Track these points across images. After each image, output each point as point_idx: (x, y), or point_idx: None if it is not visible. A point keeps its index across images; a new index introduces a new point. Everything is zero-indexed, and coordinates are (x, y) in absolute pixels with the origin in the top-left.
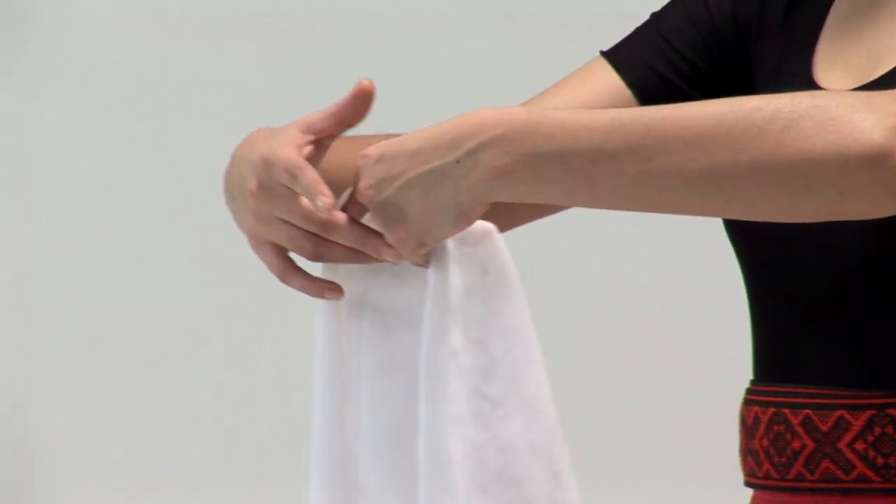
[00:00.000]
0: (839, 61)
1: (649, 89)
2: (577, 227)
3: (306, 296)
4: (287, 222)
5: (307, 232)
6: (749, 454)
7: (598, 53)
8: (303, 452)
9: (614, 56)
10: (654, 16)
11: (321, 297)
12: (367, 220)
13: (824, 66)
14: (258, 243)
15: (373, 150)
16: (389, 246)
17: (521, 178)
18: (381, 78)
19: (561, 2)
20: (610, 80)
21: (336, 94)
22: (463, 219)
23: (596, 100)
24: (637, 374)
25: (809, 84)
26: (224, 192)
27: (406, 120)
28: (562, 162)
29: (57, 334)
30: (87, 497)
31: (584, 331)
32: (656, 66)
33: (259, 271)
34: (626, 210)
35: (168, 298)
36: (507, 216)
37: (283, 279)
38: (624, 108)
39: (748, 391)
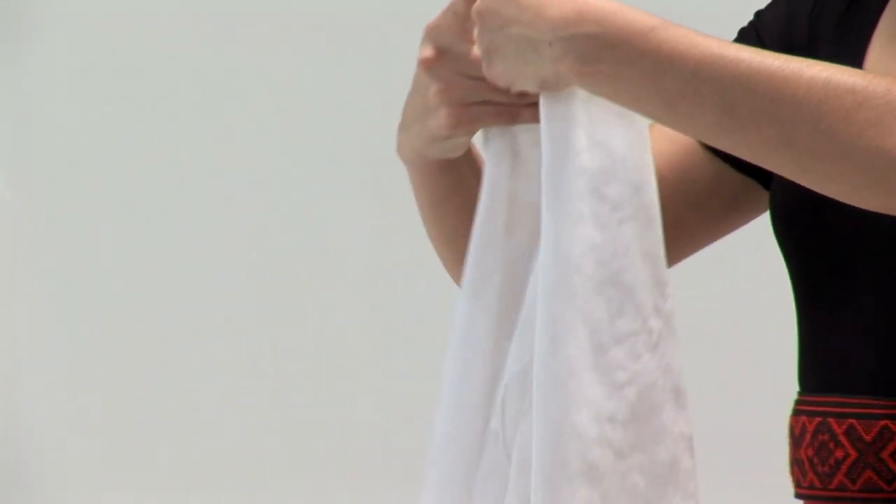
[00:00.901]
0: (890, 70)
1: None
2: None
3: (306, 296)
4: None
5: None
6: (796, 464)
7: None
8: (303, 452)
9: None
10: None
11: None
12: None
13: (875, 70)
14: (457, 115)
15: None
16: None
17: (606, 83)
18: (381, 78)
19: None
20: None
21: (336, 95)
22: (546, 88)
23: (661, 146)
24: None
25: None
26: (400, 137)
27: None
28: (650, 82)
29: (56, 334)
30: (87, 497)
31: None
32: None
33: (259, 270)
34: (703, 141)
35: (168, 298)
36: (683, 245)
37: (516, 119)
38: (733, 44)
39: (796, 402)
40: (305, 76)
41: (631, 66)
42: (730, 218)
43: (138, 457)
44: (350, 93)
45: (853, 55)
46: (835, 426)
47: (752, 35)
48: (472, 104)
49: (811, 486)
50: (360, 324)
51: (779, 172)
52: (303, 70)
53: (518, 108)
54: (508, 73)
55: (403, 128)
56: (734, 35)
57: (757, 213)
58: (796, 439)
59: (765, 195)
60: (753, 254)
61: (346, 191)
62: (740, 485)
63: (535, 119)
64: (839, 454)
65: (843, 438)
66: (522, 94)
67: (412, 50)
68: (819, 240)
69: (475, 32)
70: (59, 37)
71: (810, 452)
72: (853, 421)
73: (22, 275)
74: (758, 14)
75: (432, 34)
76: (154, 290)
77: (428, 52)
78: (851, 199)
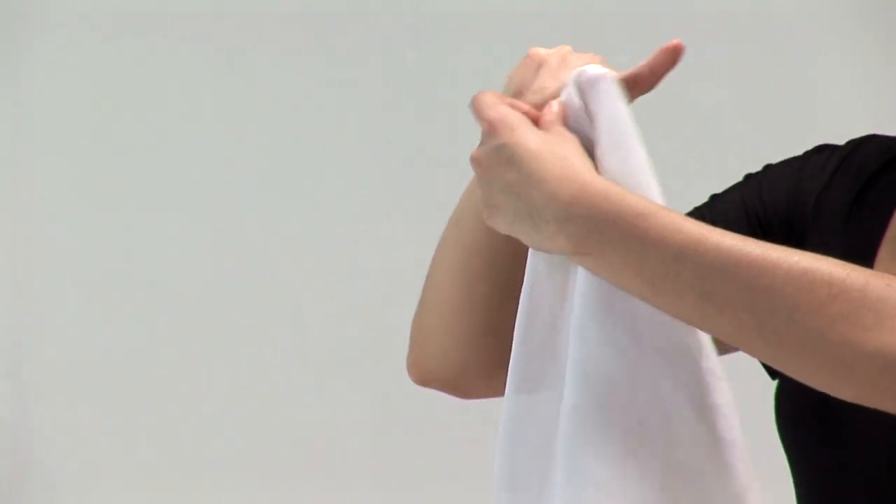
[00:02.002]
0: None
1: None
2: None
3: (308, 295)
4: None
5: None
6: None
7: None
8: (303, 452)
9: None
10: (712, 198)
11: None
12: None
13: (887, 273)
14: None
15: (504, 126)
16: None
17: (595, 264)
18: (382, 78)
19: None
20: None
21: (337, 96)
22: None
23: None
24: None
25: None
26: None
27: (407, 122)
28: (635, 267)
29: (58, 334)
30: (87, 497)
31: None
32: None
33: (258, 270)
34: (685, 322)
35: (169, 298)
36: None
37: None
38: (716, 230)
39: None
40: (306, 77)
41: (616, 250)
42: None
43: (139, 457)
44: (362, 101)
45: (863, 255)
46: None
47: (754, 186)
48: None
49: None
50: (360, 324)
51: (756, 358)
52: (303, 71)
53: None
54: (507, 230)
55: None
56: (737, 28)
57: (733, 351)
58: None
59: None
60: None
61: (352, 192)
62: None
63: None
64: None
65: None
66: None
67: (422, 54)
68: (821, 435)
69: (476, 177)
70: (58, 38)
71: None
72: None
73: (22, 274)
74: (766, 167)
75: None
76: (155, 291)
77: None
78: (826, 389)
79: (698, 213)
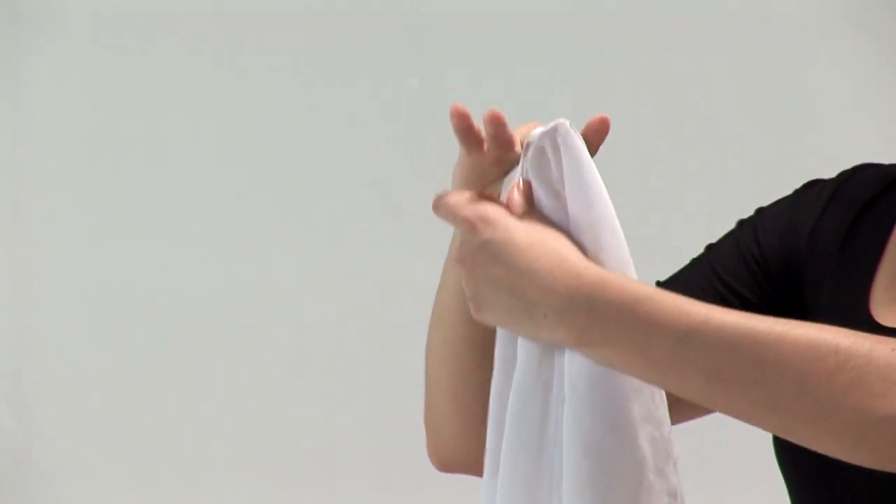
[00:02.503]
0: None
1: None
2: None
3: (307, 295)
4: None
5: None
6: None
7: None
8: (303, 453)
9: (665, 288)
10: (708, 248)
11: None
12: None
13: (882, 301)
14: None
15: (486, 224)
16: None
17: (599, 352)
18: (383, 78)
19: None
20: None
21: (337, 97)
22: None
23: None
24: None
25: (867, 320)
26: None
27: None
28: (640, 352)
29: (59, 335)
30: (87, 497)
31: None
32: (704, 298)
33: (259, 271)
34: (696, 403)
35: (169, 298)
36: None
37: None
38: (718, 309)
39: None
40: (307, 77)
41: (620, 338)
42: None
43: (139, 457)
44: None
45: (859, 288)
46: None
47: (748, 231)
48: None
49: None
50: (360, 325)
51: (769, 432)
52: (304, 71)
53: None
54: (498, 323)
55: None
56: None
57: None
58: None
59: None
60: None
61: (352, 192)
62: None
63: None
64: None
65: None
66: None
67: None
68: (823, 476)
69: (462, 276)
70: (58, 38)
71: None
72: None
73: (21, 274)
74: (759, 211)
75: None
76: (155, 291)
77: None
78: (840, 456)
79: (696, 265)
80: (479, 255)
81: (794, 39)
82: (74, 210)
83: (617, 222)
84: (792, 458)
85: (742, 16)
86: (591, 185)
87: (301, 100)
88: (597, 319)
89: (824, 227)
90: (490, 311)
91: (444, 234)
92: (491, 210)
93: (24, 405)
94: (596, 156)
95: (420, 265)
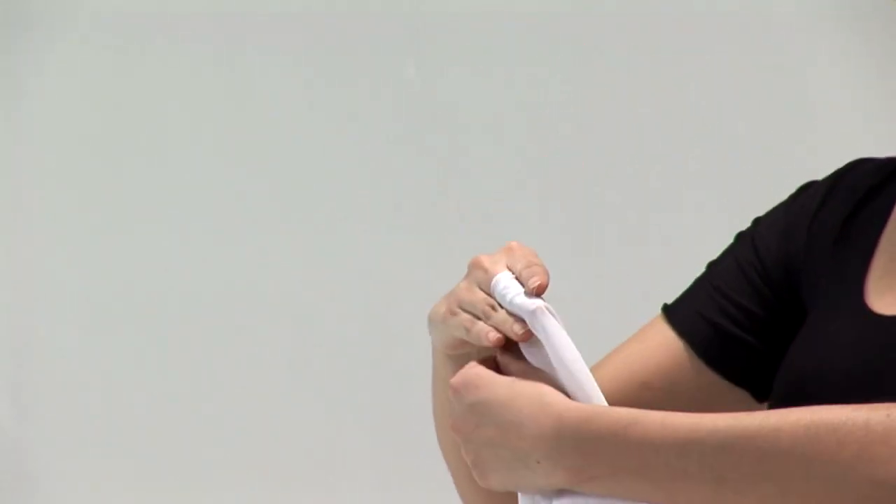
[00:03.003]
0: (893, 287)
1: (704, 340)
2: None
3: (308, 295)
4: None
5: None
6: None
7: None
8: (303, 454)
9: (670, 310)
10: (709, 266)
11: (486, 339)
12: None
13: (877, 289)
14: (455, 306)
15: (467, 389)
16: (518, 321)
17: (603, 485)
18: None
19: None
20: (665, 334)
21: (337, 97)
22: (545, 490)
23: (652, 353)
24: None
25: (862, 309)
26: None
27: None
28: (641, 475)
29: (59, 335)
30: (87, 497)
31: None
32: (710, 316)
33: (260, 271)
34: None
35: (169, 298)
36: None
37: (468, 332)
38: (705, 415)
39: None
40: (308, 78)
41: (618, 467)
42: None
43: (140, 457)
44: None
45: (854, 278)
46: None
47: (748, 241)
48: (461, 308)
49: None
50: (361, 325)
51: None
52: (305, 72)
53: (477, 323)
54: (504, 483)
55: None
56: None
57: None
58: None
59: (753, 405)
60: None
61: (353, 192)
62: None
63: (477, 330)
64: None
65: None
66: (489, 308)
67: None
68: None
69: (461, 445)
70: (59, 38)
71: None
72: None
73: (22, 274)
74: (756, 221)
75: (501, 250)
76: (155, 291)
77: (484, 257)
78: None
79: (699, 286)
80: (469, 419)
81: (794, 39)
82: (74, 210)
83: (596, 386)
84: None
85: (742, 16)
86: (570, 363)
87: (301, 100)
88: (589, 454)
89: (820, 225)
90: (493, 473)
91: (444, 234)
92: (472, 373)
93: (24, 405)
94: (596, 156)
95: (421, 264)
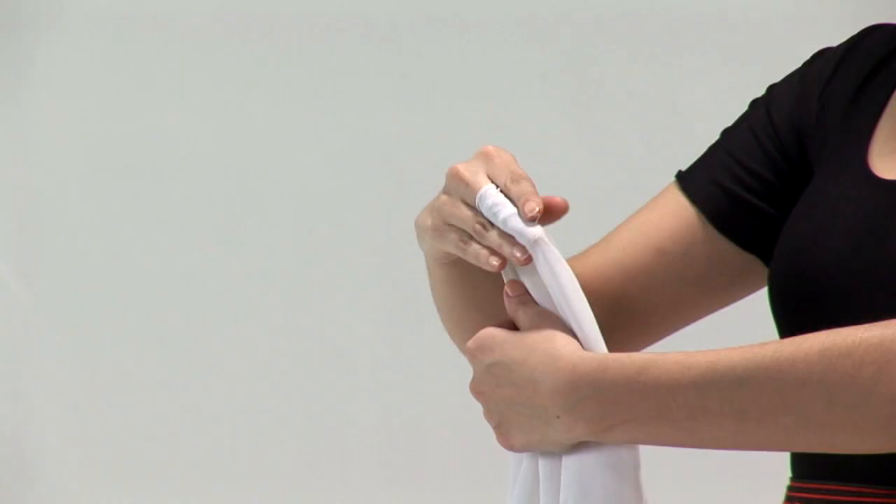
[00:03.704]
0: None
1: (717, 207)
2: None
3: (309, 295)
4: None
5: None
6: None
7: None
8: (303, 453)
9: (684, 177)
10: (723, 133)
11: (487, 263)
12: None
13: (881, 153)
14: (440, 224)
15: (483, 351)
16: (518, 246)
17: (623, 432)
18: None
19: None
20: (678, 201)
21: (337, 96)
22: (566, 446)
23: (666, 220)
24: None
25: (865, 173)
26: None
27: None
28: (661, 418)
29: (59, 335)
30: (87, 497)
31: None
32: (722, 182)
33: (262, 271)
34: (729, 450)
35: (170, 298)
36: (679, 321)
37: (463, 251)
38: (719, 351)
39: (788, 488)
40: (309, 78)
41: (637, 411)
42: (730, 293)
43: (139, 457)
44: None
45: (859, 141)
46: None
47: (762, 108)
48: (448, 224)
49: None
50: (362, 325)
51: (816, 451)
52: (306, 72)
53: (471, 242)
54: (527, 443)
55: (428, 207)
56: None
57: (758, 287)
58: None
59: (765, 272)
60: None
61: (354, 192)
62: None
63: (475, 252)
64: None
65: None
66: (480, 226)
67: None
68: (816, 324)
69: (483, 409)
70: (59, 38)
71: None
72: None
73: (22, 273)
74: (770, 88)
75: (474, 158)
76: (157, 291)
77: (460, 166)
78: (888, 449)
79: (713, 152)
80: (488, 381)
81: (794, 39)
82: (74, 209)
83: (594, 321)
84: (787, 306)
85: (742, 16)
86: (570, 292)
87: (302, 99)
88: (607, 402)
89: (832, 91)
90: (517, 433)
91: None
92: (485, 334)
93: (24, 405)
94: (597, 157)
95: (422, 263)
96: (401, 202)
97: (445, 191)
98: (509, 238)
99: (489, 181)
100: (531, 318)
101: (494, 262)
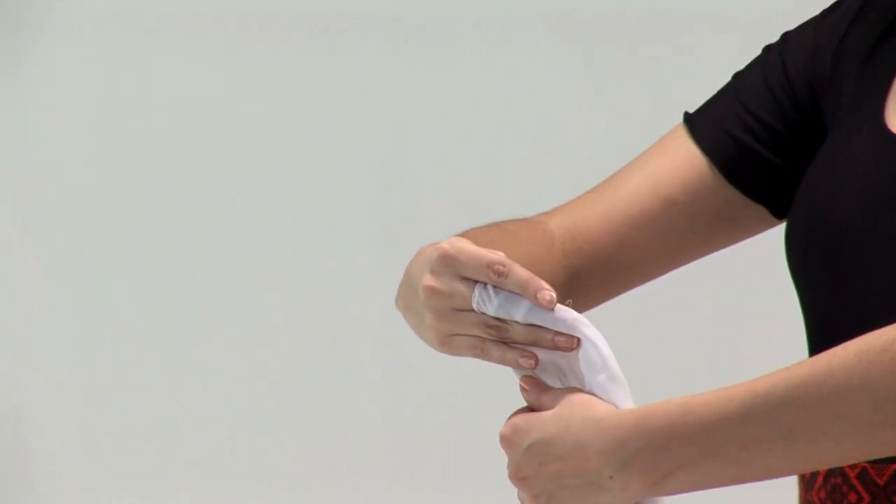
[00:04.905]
0: None
1: (727, 157)
2: None
3: (310, 294)
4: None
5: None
6: None
7: (682, 117)
8: (303, 453)
9: (693, 123)
10: (735, 77)
11: (517, 364)
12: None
13: None
14: (445, 339)
15: (519, 434)
16: (561, 335)
17: (679, 479)
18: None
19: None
20: (688, 150)
21: (338, 96)
22: None
23: (677, 168)
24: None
25: (881, 128)
26: (400, 306)
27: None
28: (712, 455)
29: (59, 335)
30: (87, 497)
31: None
32: (733, 132)
33: (263, 271)
34: (787, 475)
35: (171, 298)
36: (678, 261)
37: (485, 356)
38: (756, 379)
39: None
40: (311, 77)
41: (688, 454)
42: (731, 239)
43: (140, 457)
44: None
45: (874, 99)
46: (847, 469)
47: (776, 55)
48: (455, 335)
49: None
50: (362, 326)
51: (871, 457)
52: (308, 71)
53: (490, 345)
54: None
55: (405, 307)
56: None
57: (759, 233)
58: (807, 481)
59: (772, 221)
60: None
61: (355, 191)
62: None
63: (500, 354)
64: (852, 497)
65: (855, 482)
66: (497, 324)
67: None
68: (834, 279)
69: (526, 496)
70: (60, 38)
71: (822, 495)
72: (866, 465)
73: (22, 273)
74: (784, 36)
75: (437, 266)
76: (157, 291)
77: (429, 281)
78: None
79: (723, 97)
80: (528, 464)
81: None
82: (75, 212)
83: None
84: (803, 260)
85: (742, 16)
86: (611, 358)
87: (302, 99)
88: (657, 451)
89: (847, 48)
90: None
91: (450, 232)
92: (515, 420)
93: (24, 405)
94: (598, 157)
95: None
96: (401, 203)
97: (429, 308)
98: (539, 329)
99: (468, 282)
100: (558, 396)
101: (526, 362)
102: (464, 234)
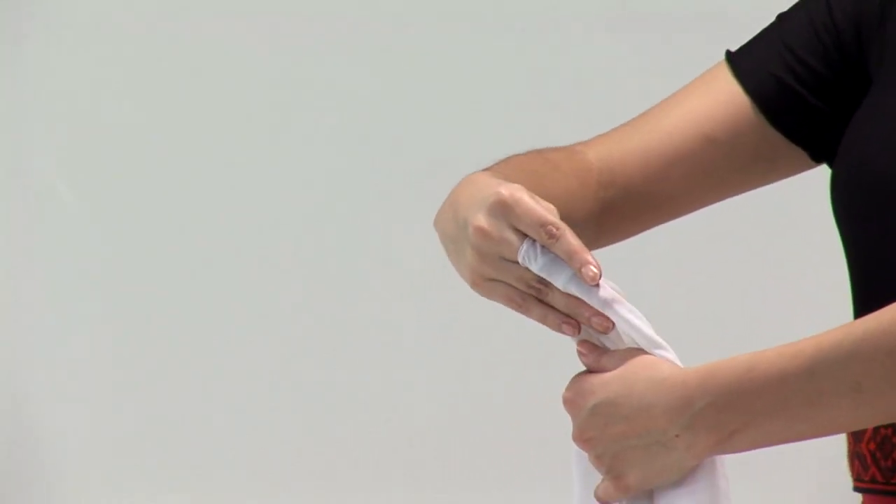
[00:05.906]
0: None
1: (770, 98)
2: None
3: (310, 294)
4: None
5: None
6: (856, 458)
7: (724, 55)
8: (304, 454)
9: (737, 62)
10: (779, 18)
11: (559, 329)
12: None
13: None
14: (480, 281)
15: (583, 396)
16: (598, 314)
17: (745, 437)
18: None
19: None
20: (731, 89)
21: (338, 96)
22: (688, 469)
23: (718, 106)
24: None
25: None
26: (438, 229)
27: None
28: (778, 411)
29: (60, 335)
30: (90, 497)
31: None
32: (777, 73)
33: (264, 270)
34: (856, 429)
35: (172, 298)
36: (712, 198)
37: (524, 311)
38: (820, 334)
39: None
40: (311, 77)
41: (754, 410)
42: (768, 179)
43: (140, 457)
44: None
45: None
46: None
47: (822, 3)
48: (493, 280)
49: (873, 481)
50: (363, 326)
51: None
52: (309, 71)
53: (532, 302)
54: (644, 479)
55: (445, 234)
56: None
57: (795, 174)
58: (856, 433)
59: (809, 164)
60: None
61: (356, 191)
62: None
63: (542, 314)
64: None
65: None
66: (540, 286)
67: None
68: (881, 228)
69: (589, 457)
70: (60, 38)
71: (872, 447)
72: None
73: (23, 273)
74: None
75: (492, 210)
76: (157, 291)
77: (482, 222)
78: None
79: (766, 37)
80: (593, 425)
81: None
82: (75, 211)
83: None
84: (848, 204)
85: (742, 16)
86: (654, 336)
87: (302, 99)
88: (723, 408)
89: (893, 1)
90: (633, 470)
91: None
92: (578, 381)
93: (24, 405)
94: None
95: (428, 266)
96: (402, 203)
97: (474, 247)
98: (577, 301)
99: (519, 234)
100: (619, 357)
101: (570, 330)
102: (507, 161)
